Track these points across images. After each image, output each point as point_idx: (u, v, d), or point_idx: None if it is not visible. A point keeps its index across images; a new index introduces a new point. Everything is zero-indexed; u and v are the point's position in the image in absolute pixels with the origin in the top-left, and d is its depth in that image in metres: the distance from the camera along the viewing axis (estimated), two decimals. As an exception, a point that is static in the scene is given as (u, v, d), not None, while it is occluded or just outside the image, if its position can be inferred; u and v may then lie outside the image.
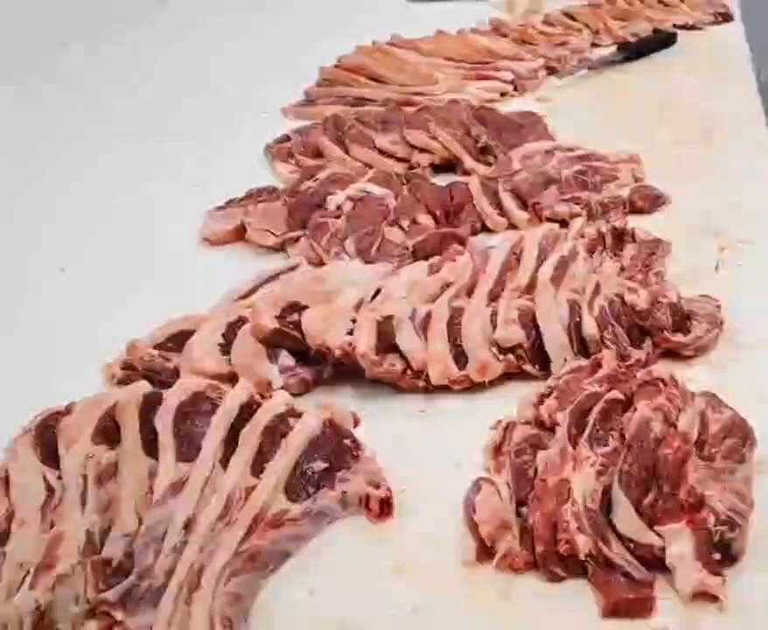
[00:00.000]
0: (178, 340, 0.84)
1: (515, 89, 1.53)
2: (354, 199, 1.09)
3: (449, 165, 1.24)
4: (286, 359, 0.82)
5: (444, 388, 0.80)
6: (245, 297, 0.90)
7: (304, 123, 1.39)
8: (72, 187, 1.30)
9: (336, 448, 0.71)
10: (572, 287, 0.87)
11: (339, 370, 0.82)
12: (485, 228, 1.08)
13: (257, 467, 0.68)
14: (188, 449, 0.68)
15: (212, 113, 1.55)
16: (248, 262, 1.02)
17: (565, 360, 0.80)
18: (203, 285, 0.94)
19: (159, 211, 1.19)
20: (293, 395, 0.78)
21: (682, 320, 0.84)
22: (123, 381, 0.81)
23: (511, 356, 0.81)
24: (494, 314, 0.84)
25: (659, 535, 0.61)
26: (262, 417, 0.70)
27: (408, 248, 1.01)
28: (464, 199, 1.10)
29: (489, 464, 0.71)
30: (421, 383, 0.80)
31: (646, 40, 1.72)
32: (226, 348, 0.82)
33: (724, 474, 0.64)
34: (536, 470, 0.67)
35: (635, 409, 0.69)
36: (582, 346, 0.82)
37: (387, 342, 0.81)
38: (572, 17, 1.84)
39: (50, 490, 0.66)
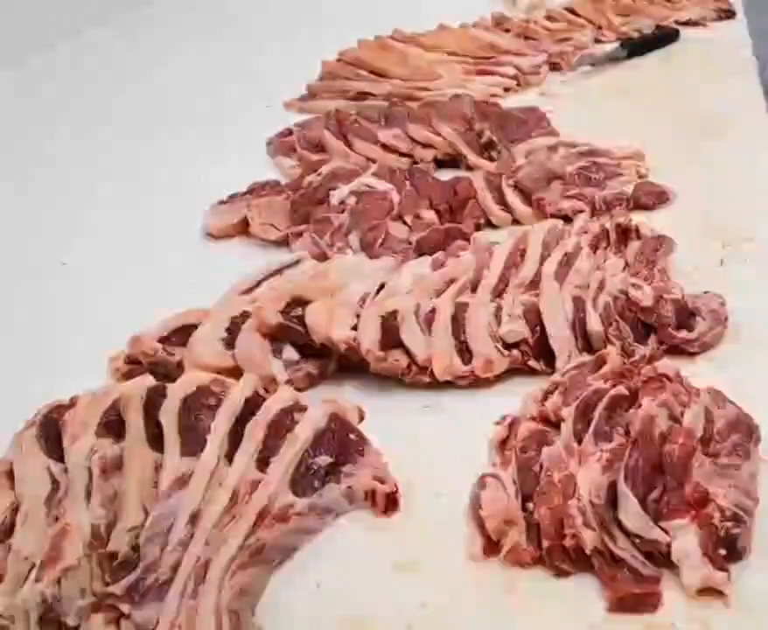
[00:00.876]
0: (181, 335, 0.84)
1: (518, 84, 1.53)
2: (358, 193, 1.09)
3: (452, 160, 1.24)
4: (290, 353, 0.82)
5: (449, 384, 0.80)
6: (249, 291, 0.90)
7: (307, 118, 1.39)
8: (74, 181, 1.30)
9: (341, 442, 0.70)
10: (576, 283, 0.86)
11: (344, 365, 0.82)
12: (489, 224, 1.08)
13: (263, 461, 0.67)
14: (193, 443, 0.68)
15: (215, 107, 1.55)
16: (252, 257, 1.02)
17: (570, 355, 0.80)
18: (207, 280, 0.94)
19: (163, 205, 1.19)
20: (298, 389, 0.77)
21: (687, 317, 0.84)
22: (127, 375, 0.81)
23: (515, 352, 0.81)
24: (499, 310, 0.84)
25: (664, 530, 0.61)
26: (268, 411, 0.70)
27: (411, 243, 1.01)
28: (468, 195, 1.10)
29: (495, 459, 0.71)
30: (425, 378, 0.80)
31: (649, 36, 1.72)
32: (230, 343, 0.82)
33: (729, 470, 0.65)
34: (542, 465, 0.67)
35: (640, 405, 0.69)
36: (586, 342, 0.82)
37: (391, 337, 0.81)
38: (575, 13, 1.84)
39: (55, 483, 0.66)
